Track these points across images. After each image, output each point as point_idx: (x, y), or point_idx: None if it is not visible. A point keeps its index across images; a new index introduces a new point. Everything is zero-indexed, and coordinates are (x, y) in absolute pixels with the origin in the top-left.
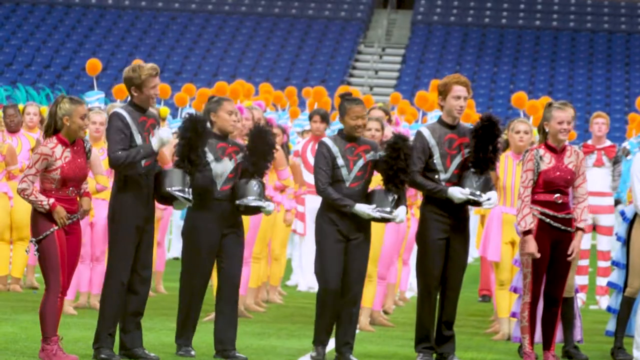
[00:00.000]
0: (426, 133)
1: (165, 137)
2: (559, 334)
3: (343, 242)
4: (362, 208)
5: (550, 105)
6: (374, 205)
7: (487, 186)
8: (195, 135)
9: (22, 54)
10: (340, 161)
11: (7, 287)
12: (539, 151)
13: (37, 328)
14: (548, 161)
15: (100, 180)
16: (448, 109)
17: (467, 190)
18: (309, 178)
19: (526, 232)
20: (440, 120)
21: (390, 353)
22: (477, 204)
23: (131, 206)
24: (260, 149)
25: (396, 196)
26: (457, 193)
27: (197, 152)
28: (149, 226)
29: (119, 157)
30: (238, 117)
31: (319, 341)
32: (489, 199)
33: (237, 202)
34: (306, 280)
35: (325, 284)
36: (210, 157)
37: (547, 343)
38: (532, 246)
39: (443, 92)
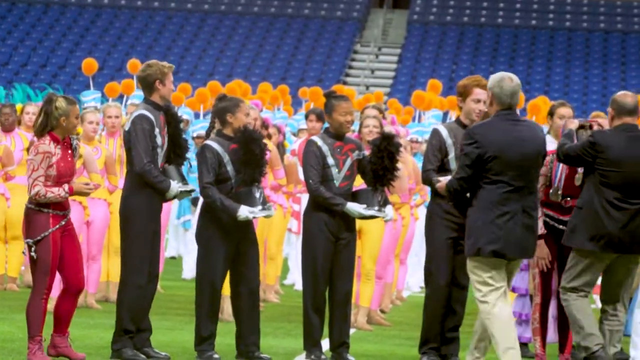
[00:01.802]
0: (444, 132)
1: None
2: (556, 334)
3: (332, 241)
4: (353, 207)
5: (553, 107)
6: (364, 205)
7: None
8: (172, 130)
9: (18, 54)
10: (330, 160)
11: (3, 286)
12: (554, 156)
13: None
14: (561, 166)
15: (95, 179)
16: (467, 111)
17: None
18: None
19: (538, 237)
20: (457, 121)
21: (387, 352)
22: None
23: (145, 208)
24: (252, 158)
25: (382, 195)
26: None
27: (180, 144)
28: (159, 225)
29: (151, 172)
30: (255, 115)
31: (312, 344)
32: None
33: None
34: None
35: (316, 286)
36: (226, 159)
37: (563, 346)
38: (544, 253)
39: (463, 93)
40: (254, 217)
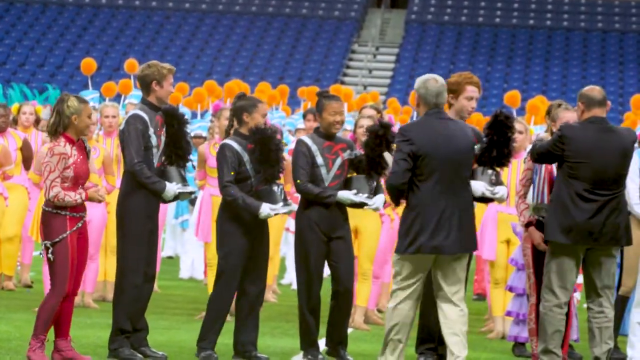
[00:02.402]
0: None
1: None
2: None
3: (325, 241)
4: (344, 194)
5: (559, 105)
6: (354, 191)
7: (497, 181)
8: (174, 131)
9: (16, 53)
10: (319, 160)
11: (0, 285)
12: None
13: (30, 327)
14: (537, 179)
15: (92, 179)
16: (458, 109)
17: (487, 186)
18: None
19: (527, 225)
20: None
21: None
22: (489, 200)
23: (142, 208)
24: (268, 156)
25: (375, 183)
26: (480, 187)
27: (182, 144)
28: (156, 225)
29: (142, 172)
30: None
31: (309, 344)
32: (497, 193)
33: (271, 208)
34: None
35: (310, 286)
36: (246, 158)
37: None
38: (537, 237)
39: (455, 91)
40: (275, 214)
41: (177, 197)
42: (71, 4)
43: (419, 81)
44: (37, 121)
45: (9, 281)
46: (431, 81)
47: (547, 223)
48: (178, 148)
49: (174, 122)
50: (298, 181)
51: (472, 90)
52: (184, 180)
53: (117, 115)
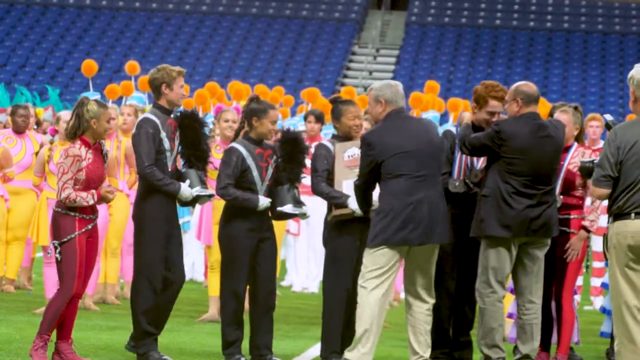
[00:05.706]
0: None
1: (188, 195)
2: (554, 335)
3: (357, 245)
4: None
5: (553, 108)
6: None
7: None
8: (193, 133)
9: (16, 55)
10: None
11: (0, 288)
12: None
13: (31, 329)
14: None
15: None
16: (480, 119)
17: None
18: (304, 179)
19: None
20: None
21: (385, 353)
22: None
23: (158, 211)
24: (295, 156)
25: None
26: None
27: (200, 147)
28: (177, 229)
29: (153, 175)
30: (234, 118)
31: (333, 350)
32: None
33: (278, 208)
34: (300, 280)
35: (343, 287)
36: (251, 163)
37: (545, 344)
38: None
39: (479, 102)
40: (284, 213)
41: (195, 200)
42: (71, 6)
43: (381, 86)
44: (38, 123)
45: (10, 284)
46: (394, 86)
47: (483, 218)
48: (197, 150)
49: (190, 126)
50: (313, 181)
51: (494, 106)
52: (203, 184)
53: (115, 117)
